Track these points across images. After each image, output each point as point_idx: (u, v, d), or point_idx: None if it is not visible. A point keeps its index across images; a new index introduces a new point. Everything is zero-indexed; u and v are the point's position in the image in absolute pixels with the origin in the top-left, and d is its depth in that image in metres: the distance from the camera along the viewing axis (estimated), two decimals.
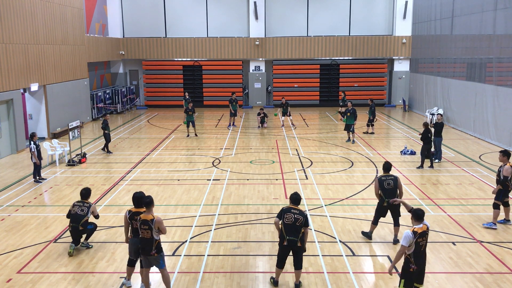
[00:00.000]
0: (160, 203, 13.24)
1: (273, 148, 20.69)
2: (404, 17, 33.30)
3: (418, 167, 17.16)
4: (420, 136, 17.33)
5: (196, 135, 23.59)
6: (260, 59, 34.23)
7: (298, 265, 8.69)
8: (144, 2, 34.57)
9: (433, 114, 26.77)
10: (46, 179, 16.15)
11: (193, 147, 21.08)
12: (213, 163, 18.18)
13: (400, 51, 33.85)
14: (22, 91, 21.90)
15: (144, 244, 8.15)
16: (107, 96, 31.31)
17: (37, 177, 15.84)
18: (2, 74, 19.26)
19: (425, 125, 17.30)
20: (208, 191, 14.55)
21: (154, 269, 8.90)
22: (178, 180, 15.92)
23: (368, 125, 24.01)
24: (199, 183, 15.45)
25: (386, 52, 33.87)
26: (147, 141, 22.77)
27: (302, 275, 9.08)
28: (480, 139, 22.22)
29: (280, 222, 8.58)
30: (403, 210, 10.71)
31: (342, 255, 10.07)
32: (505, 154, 11.52)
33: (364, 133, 23.92)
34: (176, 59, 34.48)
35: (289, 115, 25.96)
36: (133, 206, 8.65)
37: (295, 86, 34.50)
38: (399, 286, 7.60)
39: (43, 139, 22.74)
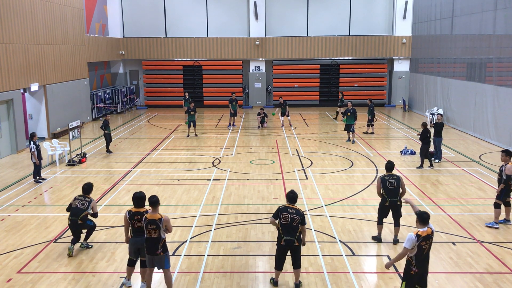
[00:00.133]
0: (160, 203, 13.20)
1: (273, 148, 20.69)
2: (404, 17, 33.30)
3: (418, 167, 17.16)
4: (419, 136, 17.35)
5: (196, 135, 23.60)
6: (260, 59, 34.23)
7: (296, 264, 8.69)
8: (144, 2, 34.57)
9: (433, 114, 26.76)
10: (46, 179, 16.16)
11: (193, 147, 21.08)
12: (213, 163, 18.18)
13: (400, 51, 33.85)
14: (22, 91, 21.90)
15: (151, 243, 8.16)
16: (107, 96, 31.31)
17: (37, 177, 15.84)
18: (2, 74, 19.26)
19: (424, 125, 17.32)
20: (208, 191, 14.56)
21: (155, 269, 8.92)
22: (178, 180, 15.92)
23: (368, 125, 24.01)
24: (199, 183, 15.45)
25: (386, 52, 33.87)
26: (147, 141, 22.77)
27: (302, 275, 9.08)
28: (480, 139, 22.22)
29: (276, 221, 8.59)
30: (403, 210, 10.74)
31: (342, 255, 10.07)
32: (507, 153, 11.52)
33: (364, 133, 23.92)
34: (176, 59, 34.48)
35: (288, 115, 25.93)
36: (133, 206, 8.65)
37: (295, 86, 34.50)
38: None
39: (43, 139, 22.74)
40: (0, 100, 19.33)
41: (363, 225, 11.72)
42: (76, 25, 26.39)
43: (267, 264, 9.67)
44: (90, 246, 10.53)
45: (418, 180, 15.69)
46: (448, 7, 26.36)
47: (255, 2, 33.25)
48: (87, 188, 10.43)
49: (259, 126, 26.03)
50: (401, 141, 22.14)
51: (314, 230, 11.37)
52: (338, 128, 25.57)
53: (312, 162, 18.10)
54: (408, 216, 12.05)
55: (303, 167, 17.34)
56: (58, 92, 24.22)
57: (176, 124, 27.56)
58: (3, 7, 19.33)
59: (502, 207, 11.71)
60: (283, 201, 13.41)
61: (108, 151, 19.95)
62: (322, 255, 10.05)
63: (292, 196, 8.68)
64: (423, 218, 7.37)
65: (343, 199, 13.75)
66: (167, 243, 8.37)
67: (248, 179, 15.89)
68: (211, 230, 11.52)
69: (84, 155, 18.75)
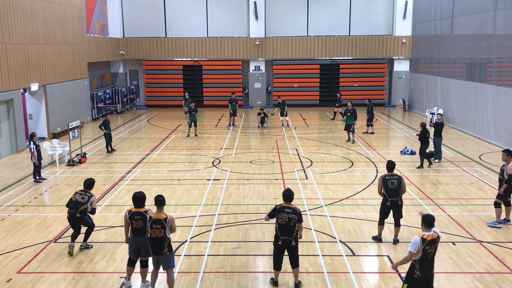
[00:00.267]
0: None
1: (273, 148, 20.69)
2: (404, 17, 33.30)
3: (418, 167, 17.17)
4: (418, 136, 17.36)
5: (196, 135, 23.60)
6: (260, 59, 34.23)
7: (294, 263, 8.69)
8: (144, 2, 34.58)
9: (433, 114, 26.80)
10: (46, 179, 16.16)
11: (193, 147, 21.08)
12: (213, 163, 18.18)
13: (400, 51, 33.85)
14: (22, 91, 21.91)
15: (156, 243, 8.17)
16: (107, 96, 31.31)
17: (37, 177, 15.84)
18: (2, 74, 19.26)
19: (423, 125, 17.34)
20: (208, 191, 14.56)
21: (152, 268, 8.91)
22: (178, 180, 15.92)
23: (367, 125, 24.01)
24: (199, 183, 15.45)
25: (386, 52, 33.87)
26: (147, 141, 22.77)
27: (302, 275, 9.08)
28: (480, 139, 22.22)
29: (272, 220, 8.59)
30: (404, 210, 10.74)
31: (342, 255, 10.07)
32: (509, 153, 11.52)
33: (364, 133, 23.92)
34: (176, 59, 34.49)
35: (286, 115, 25.90)
36: (133, 206, 8.64)
37: (295, 86, 34.51)
38: None
39: (43, 139, 22.74)
40: (0, 100, 19.33)
41: (363, 225, 11.72)
42: (76, 25, 26.39)
43: (267, 264, 9.67)
44: (90, 246, 10.53)
45: (418, 180, 15.69)
46: (448, 7, 26.36)
47: (255, 2, 33.25)
48: (89, 183, 10.45)
49: (259, 126, 26.03)
50: (401, 141, 22.14)
51: (314, 230, 11.37)
52: (338, 128, 25.57)
53: (312, 162, 18.10)
54: (408, 216, 12.06)
55: (303, 167, 17.34)
56: (58, 92, 24.23)
57: (176, 124, 27.56)
58: (3, 7, 19.33)
59: (502, 206, 11.72)
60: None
61: (108, 151, 19.95)
62: (322, 255, 10.05)
63: (288, 195, 8.66)
64: (427, 221, 7.25)
65: (343, 199, 13.75)
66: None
67: (248, 179, 15.89)
68: (211, 230, 11.52)
69: (84, 155, 18.75)
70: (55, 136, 23.18)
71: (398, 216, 10.52)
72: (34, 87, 21.93)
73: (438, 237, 7.25)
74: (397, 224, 10.60)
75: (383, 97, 34.72)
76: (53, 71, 23.71)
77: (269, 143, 21.92)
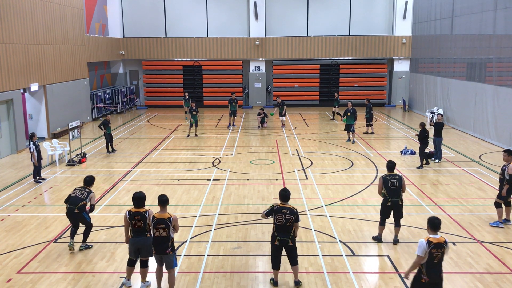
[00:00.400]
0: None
1: (273, 148, 20.69)
2: (404, 17, 33.31)
3: (418, 167, 17.17)
4: (418, 136, 17.38)
5: (196, 135, 23.60)
6: (260, 59, 34.23)
7: (293, 261, 8.70)
8: (144, 2, 34.58)
9: (433, 113, 26.83)
10: (46, 179, 16.16)
11: (193, 147, 21.08)
12: (213, 163, 18.18)
13: (400, 51, 33.86)
14: (22, 91, 21.91)
15: (160, 242, 8.19)
16: (107, 96, 31.32)
17: (37, 177, 15.84)
18: (2, 74, 19.26)
19: (422, 125, 17.35)
20: (208, 191, 14.56)
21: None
22: (178, 180, 15.92)
23: (367, 125, 24.01)
24: (199, 183, 15.45)
25: (386, 52, 33.87)
26: (147, 141, 22.77)
27: (302, 275, 9.08)
28: (480, 139, 22.22)
29: (268, 218, 8.65)
30: (404, 210, 10.73)
31: (342, 255, 10.07)
32: (510, 153, 11.50)
33: (364, 133, 23.92)
34: (176, 59, 34.49)
35: (284, 115, 25.89)
36: (133, 206, 8.64)
37: (295, 86, 34.51)
38: None
39: (43, 139, 22.74)
40: (0, 100, 19.33)
41: (363, 225, 11.71)
42: (76, 25, 26.39)
43: (267, 264, 9.66)
44: (90, 247, 10.53)
45: (418, 180, 15.69)
46: (448, 7, 26.36)
47: (255, 2, 33.25)
48: (89, 180, 10.49)
49: (259, 126, 26.02)
50: (401, 141, 22.14)
51: (314, 230, 11.37)
52: (338, 128, 25.56)
53: (312, 162, 18.10)
54: (408, 216, 12.06)
55: (303, 167, 17.34)
56: (58, 92, 24.23)
57: (176, 124, 27.56)
58: (3, 7, 19.33)
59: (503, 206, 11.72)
60: None
61: (108, 151, 19.95)
62: (322, 255, 10.05)
63: (284, 195, 8.63)
64: (433, 224, 7.17)
65: (343, 199, 13.74)
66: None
67: (248, 179, 15.89)
68: (211, 230, 11.52)
69: (84, 155, 18.75)
70: (55, 136, 23.18)
71: (398, 216, 10.51)
72: (34, 87, 21.93)
73: (445, 242, 7.13)
74: (397, 224, 10.60)
75: (383, 97, 34.72)
76: (53, 71, 23.71)
77: (269, 143, 21.92)
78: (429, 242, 7.05)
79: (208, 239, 10.96)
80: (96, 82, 31.88)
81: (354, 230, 11.38)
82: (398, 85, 34.59)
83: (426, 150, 17.83)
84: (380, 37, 33.81)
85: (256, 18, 33.57)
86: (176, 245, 10.52)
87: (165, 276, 8.62)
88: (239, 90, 34.11)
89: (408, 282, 8.85)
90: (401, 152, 19.46)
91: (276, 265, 8.74)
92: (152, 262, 8.81)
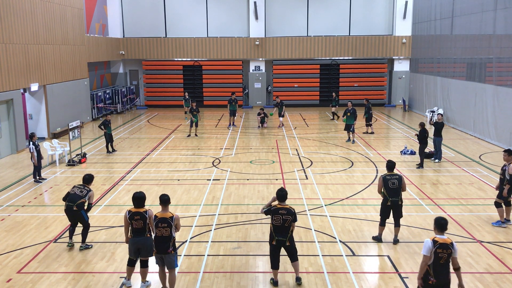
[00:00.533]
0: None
1: (273, 148, 20.69)
2: (404, 17, 33.31)
3: (418, 167, 17.18)
4: (417, 136, 17.38)
5: (196, 135, 23.60)
6: (260, 59, 34.23)
7: (293, 257, 8.72)
8: (144, 2, 34.58)
9: (433, 112, 26.86)
10: (46, 179, 16.16)
11: (193, 147, 21.08)
12: (213, 163, 18.18)
13: (400, 51, 33.86)
14: (22, 91, 21.90)
15: (162, 242, 8.20)
16: (107, 96, 31.32)
17: (37, 177, 15.84)
18: (2, 74, 19.27)
19: (422, 125, 17.36)
20: (208, 191, 14.56)
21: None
22: (178, 180, 15.92)
23: (366, 125, 24.01)
24: (199, 183, 15.45)
25: (386, 52, 33.87)
26: (147, 141, 22.77)
27: (302, 275, 9.07)
28: (480, 139, 22.22)
29: (267, 216, 8.68)
30: (404, 210, 10.74)
31: (342, 255, 10.07)
32: (510, 153, 11.50)
33: (364, 133, 23.92)
34: (176, 59, 34.49)
35: (282, 116, 25.86)
36: (133, 206, 8.64)
37: (295, 86, 34.51)
38: None
39: (43, 139, 22.74)
40: (0, 100, 19.33)
41: (363, 225, 11.72)
42: (76, 25, 26.39)
43: (267, 264, 9.66)
44: (90, 246, 10.53)
45: (418, 180, 15.69)
46: (448, 7, 26.37)
47: (255, 2, 33.26)
48: (88, 178, 10.52)
49: (259, 126, 26.02)
50: (401, 141, 22.14)
51: (314, 230, 11.37)
52: (338, 128, 25.57)
53: (312, 162, 18.10)
54: (408, 216, 12.07)
55: (303, 167, 17.34)
56: (58, 92, 24.23)
57: (176, 124, 27.56)
58: (3, 7, 19.33)
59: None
60: None
61: (109, 151, 19.95)
62: (322, 255, 10.05)
63: (281, 194, 8.61)
64: (440, 224, 7.10)
65: (343, 199, 13.75)
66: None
67: (248, 179, 15.89)
68: (211, 230, 11.52)
69: (84, 155, 18.75)
70: (55, 136, 23.18)
71: (398, 216, 10.51)
72: (34, 87, 21.93)
73: (452, 243, 7.03)
74: (397, 224, 10.60)
75: (383, 97, 34.72)
76: (53, 71, 23.71)
77: (269, 143, 21.93)
78: (434, 241, 6.98)
79: (208, 239, 10.96)
80: (96, 82, 31.89)
81: (354, 230, 11.38)
82: (398, 85, 34.59)
83: (426, 150, 17.86)
84: (380, 37, 33.81)
85: (256, 18, 33.57)
86: (176, 245, 10.54)
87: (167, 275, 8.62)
88: (239, 90, 34.11)
89: (409, 282, 8.87)
90: (401, 152, 19.46)
91: (275, 264, 8.74)
92: (152, 262, 8.80)
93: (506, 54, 20.92)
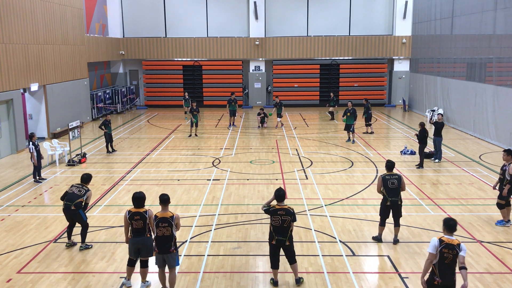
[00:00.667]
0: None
1: (273, 148, 20.69)
2: (404, 17, 33.31)
3: (418, 167, 17.18)
4: (417, 135, 17.38)
5: (196, 135, 23.60)
6: (260, 59, 34.23)
7: (291, 259, 8.72)
8: (144, 2, 34.58)
9: (433, 111, 26.87)
10: (46, 179, 16.16)
11: (193, 147, 21.08)
12: (213, 163, 18.18)
13: (400, 51, 33.85)
14: (22, 91, 21.90)
15: (164, 241, 8.20)
16: (107, 96, 31.32)
17: (37, 177, 15.83)
18: (2, 74, 19.26)
19: (422, 125, 17.36)
20: (208, 191, 14.56)
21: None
22: (178, 180, 15.92)
23: (366, 125, 24.01)
24: (199, 183, 15.45)
25: (386, 52, 33.87)
26: (147, 141, 22.77)
27: (302, 275, 9.08)
28: (480, 139, 22.22)
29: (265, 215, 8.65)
30: (403, 210, 10.74)
31: (342, 255, 10.07)
32: (509, 153, 11.51)
33: (364, 133, 23.92)
34: (176, 59, 34.49)
35: (281, 116, 25.84)
36: (133, 206, 8.64)
37: (295, 86, 34.51)
38: None
39: (43, 139, 22.74)
40: (0, 100, 19.33)
41: (363, 225, 11.72)
42: (76, 25, 26.39)
43: (267, 264, 9.65)
44: (90, 246, 10.53)
45: (418, 180, 15.69)
46: (448, 7, 26.37)
47: (255, 2, 33.25)
48: (87, 177, 10.54)
49: (259, 126, 26.02)
50: (401, 141, 22.14)
51: (314, 230, 11.37)
52: (338, 128, 25.57)
53: (312, 162, 18.10)
54: (408, 216, 12.07)
55: (303, 167, 17.34)
56: (58, 92, 24.23)
57: (176, 124, 27.55)
58: (3, 7, 19.33)
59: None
60: None
61: (108, 151, 19.95)
62: (322, 255, 10.05)
63: (279, 194, 8.60)
64: (449, 225, 7.04)
65: (343, 199, 13.74)
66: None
67: (248, 179, 15.89)
68: (211, 230, 11.52)
69: (84, 155, 18.75)
70: (55, 136, 23.17)
71: (397, 216, 10.51)
72: (34, 87, 21.93)
73: (459, 245, 6.95)
74: (397, 224, 10.60)
75: (383, 97, 34.71)
76: (53, 71, 23.71)
77: (269, 143, 21.93)
78: (440, 240, 6.95)
79: (208, 239, 10.96)
80: (96, 82, 31.88)
81: (354, 230, 11.38)
82: (398, 85, 34.59)
83: (426, 150, 17.86)
84: (380, 37, 33.81)
85: (256, 18, 33.57)
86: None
87: (166, 276, 8.62)
88: (239, 90, 34.10)
89: (409, 282, 8.87)
90: (401, 152, 19.46)
91: (275, 264, 8.74)
92: (152, 262, 8.79)
93: (506, 54, 20.91)
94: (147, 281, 8.85)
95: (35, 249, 10.53)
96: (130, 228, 8.56)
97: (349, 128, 21.75)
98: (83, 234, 10.43)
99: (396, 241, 10.60)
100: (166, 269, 8.50)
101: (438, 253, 6.92)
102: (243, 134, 24.20)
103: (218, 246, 10.59)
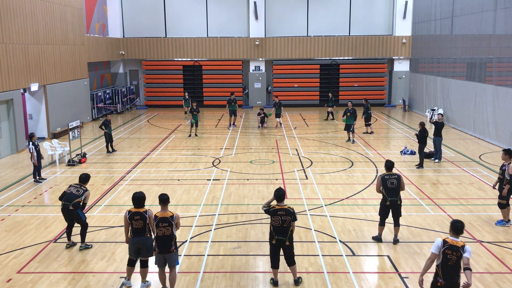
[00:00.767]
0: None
1: (273, 148, 20.69)
2: (404, 17, 33.31)
3: (418, 167, 17.18)
4: (416, 135, 17.37)
5: (196, 135, 23.60)
6: (260, 59, 34.24)
7: (290, 261, 8.72)
8: (144, 2, 34.58)
9: (433, 110, 26.87)
10: (46, 179, 16.16)
11: (193, 147, 21.08)
12: (213, 163, 18.19)
13: (400, 51, 33.86)
14: (22, 91, 21.90)
15: (164, 241, 8.21)
16: (107, 96, 31.32)
17: (37, 177, 15.84)
18: (2, 74, 19.27)
19: (422, 124, 17.37)
20: (208, 191, 14.56)
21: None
22: (178, 180, 15.92)
23: (366, 125, 24.02)
24: (199, 183, 15.45)
25: (386, 52, 33.87)
26: (147, 141, 22.77)
27: (302, 275, 9.08)
28: (480, 139, 22.22)
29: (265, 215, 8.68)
30: (403, 210, 10.74)
31: (342, 255, 10.07)
32: (506, 153, 11.53)
33: (364, 133, 23.93)
34: (176, 59, 34.49)
35: (279, 116, 25.82)
36: (133, 206, 8.64)
37: (295, 86, 34.51)
38: None
39: (43, 139, 22.74)
40: (0, 100, 19.33)
41: (363, 225, 11.72)
42: (76, 25, 26.39)
43: (267, 264, 9.66)
44: (90, 246, 10.53)
45: (418, 180, 15.69)
46: (448, 7, 26.37)
47: (255, 2, 33.25)
48: (85, 177, 10.54)
49: (259, 126, 26.02)
50: (401, 141, 22.14)
51: (314, 230, 11.37)
52: (338, 128, 25.57)
53: (312, 162, 18.10)
54: (408, 216, 12.07)
55: (303, 167, 17.34)
56: (58, 92, 24.23)
57: (176, 124, 27.56)
58: (3, 7, 19.33)
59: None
60: None
61: (109, 151, 19.96)
62: (322, 255, 10.05)
63: (278, 194, 8.59)
64: (455, 227, 6.96)
65: (343, 199, 13.75)
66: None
67: (248, 179, 15.89)
68: (211, 230, 11.52)
69: (84, 155, 18.75)
70: (55, 136, 23.18)
71: (397, 216, 10.51)
72: (34, 87, 21.93)
73: (463, 247, 6.84)
74: (397, 224, 10.60)
75: (383, 97, 34.72)
76: (53, 71, 23.72)
77: (269, 143, 21.93)
78: (444, 241, 6.89)
79: (208, 239, 10.96)
80: (96, 82, 31.89)
81: (354, 230, 11.39)
82: (398, 85, 34.60)
83: (426, 150, 17.86)
84: (380, 37, 33.81)
85: (256, 18, 33.57)
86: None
87: (166, 276, 8.62)
88: (239, 90, 34.10)
89: (409, 282, 8.87)
90: (401, 152, 19.46)
91: (275, 263, 8.74)
92: (152, 262, 8.79)
93: (506, 54, 20.91)
94: (147, 281, 8.85)
95: (35, 249, 10.53)
96: (130, 228, 8.56)
97: (349, 128, 21.75)
98: (83, 234, 10.44)
99: (396, 241, 10.60)
100: (166, 269, 8.51)
101: (441, 254, 6.86)
102: (243, 134, 24.20)
103: (218, 246, 10.59)
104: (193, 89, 34.62)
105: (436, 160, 17.98)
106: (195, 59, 34.36)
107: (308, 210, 12.77)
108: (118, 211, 12.93)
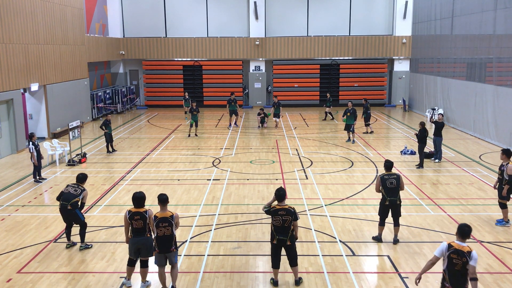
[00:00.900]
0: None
1: (273, 148, 20.69)
2: (404, 17, 33.31)
3: (418, 167, 17.18)
4: (416, 135, 17.37)
5: (196, 135, 23.61)
6: (260, 59, 34.24)
7: (292, 262, 8.71)
8: (144, 2, 34.58)
9: (434, 109, 26.86)
10: (46, 179, 16.16)
11: (193, 147, 21.08)
12: (213, 163, 18.19)
13: (400, 51, 33.86)
14: (22, 91, 21.91)
15: (165, 241, 8.24)
16: (107, 96, 31.32)
17: (37, 177, 15.84)
18: (2, 74, 19.27)
19: (422, 124, 17.36)
20: (208, 191, 14.56)
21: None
22: (178, 180, 15.92)
23: (366, 125, 24.02)
24: (199, 183, 15.45)
25: (386, 52, 33.87)
26: (147, 141, 22.78)
27: (302, 275, 9.08)
28: (480, 139, 22.22)
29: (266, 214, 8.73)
30: (403, 210, 10.74)
31: (342, 255, 10.07)
32: (504, 152, 11.53)
33: (364, 133, 23.93)
34: (176, 59, 34.49)
35: (278, 117, 25.82)
36: (133, 206, 8.64)
37: (295, 86, 34.51)
38: None
39: (43, 139, 22.74)
40: (0, 100, 19.34)
41: (363, 225, 11.72)
42: (76, 25, 26.40)
43: (267, 264, 9.66)
44: (90, 246, 10.53)
45: (418, 180, 15.69)
46: (448, 7, 26.37)
47: (255, 2, 33.25)
48: (82, 177, 10.55)
49: (259, 126, 26.03)
50: (401, 141, 22.14)
51: (314, 230, 11.37)
52: (338, 128, 25.57)
53: (312, 162, 18.10)
54: (408, 216, 12.07)
55: (303, 167, 17.34)
56: (58, 92, 24.23)
57: (176, 124, 27.56)
58: (3, 7, 19.34)
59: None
60: None
61: (109, 151, 19.96)
62: (322, 255, 10.05)
63: (279, 194, 8.58)
64: (462, 231, 6.78)
65: (343, 199, 13.75)
66: None
67: (248, 179, 15.89)
68: (211, 230, 11.52)
69: (84, 155, 18.75)
70: (55, 136, 23.18)
71: (397, 216, 10.51)
72: (34, 87, 21.93)
73: (469, 252, 6.66)
74: (396, 224, 10.60)
75: (383, 97, 34.72)
76: (53, 71, 23.72)
77: (269, 143, 21.93)
78: (449, 246, 6.74)
79: (208, 239, 10.96)
80: (96, 82, 31.89)
81: (354, 230, 11.39)
82: (398, 85, 34.60)
83: (426, 150, 17.86)
84: (380, 37, 33.81)
85: (256, 18, 33.57)
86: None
87: (166, 276, 8.63)
88: (239, 90, 34.11)
89: (409, 282, 8.87)
90: (401, 152, 19.46)
91: (275, 263, 8.74)
92: (152, 262, 8.79)
93: (506, 54, 20.91)
94: (147, 281, 8.85)
95: (35, 249, 10.53)
96: (130, 228, 8.56)
97: (349, 128, 21.75)
98: (82, 233, 10.44)
99: (396, 241, 10.60)
100: (166, 269, 8.51)
101: (446, 259, 6.73)
102: (243, 134, 24.20)
103: (218, 246, 10.60)
104: (193, 89, 34.62)
105: (436, 160, 17.98)
106: (195, 59, 34.36)
107: (308, 210, 12.77)
108: (118, 211, 12.94)
